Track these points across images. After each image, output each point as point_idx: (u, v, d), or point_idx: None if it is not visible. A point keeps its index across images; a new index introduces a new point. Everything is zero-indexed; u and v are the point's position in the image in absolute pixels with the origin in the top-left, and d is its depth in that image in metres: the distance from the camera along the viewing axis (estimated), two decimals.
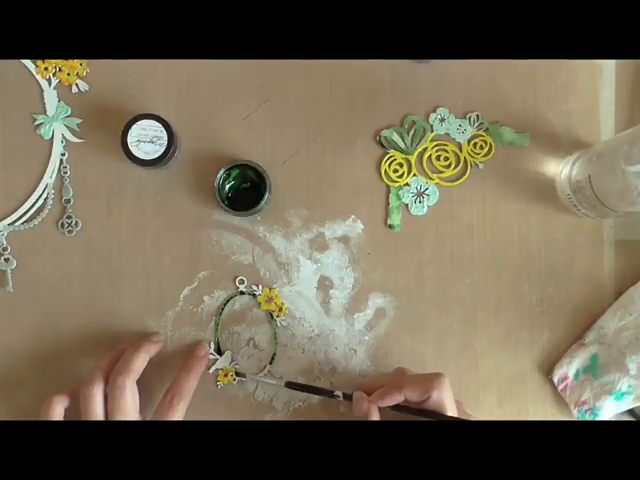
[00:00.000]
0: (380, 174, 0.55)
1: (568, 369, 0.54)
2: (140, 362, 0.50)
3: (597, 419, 0.54)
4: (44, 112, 0.55)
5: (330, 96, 0.56)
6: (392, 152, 0.55)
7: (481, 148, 0.55)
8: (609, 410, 0.54)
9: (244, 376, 0.54)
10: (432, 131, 0.56)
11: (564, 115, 0.56)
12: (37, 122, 0.55)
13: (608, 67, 0.56)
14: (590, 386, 0.54)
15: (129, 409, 0.48)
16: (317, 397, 0.55)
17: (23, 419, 0.54)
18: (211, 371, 0.55)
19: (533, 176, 0.55)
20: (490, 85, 0.56)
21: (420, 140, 0.56)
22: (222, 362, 0.55)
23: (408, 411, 0.48)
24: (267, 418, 0.55)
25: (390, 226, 0.55)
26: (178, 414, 0.50)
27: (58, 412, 0.49)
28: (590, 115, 0.56)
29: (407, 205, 0.55)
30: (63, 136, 0.55)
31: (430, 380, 0.47)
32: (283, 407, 0.55)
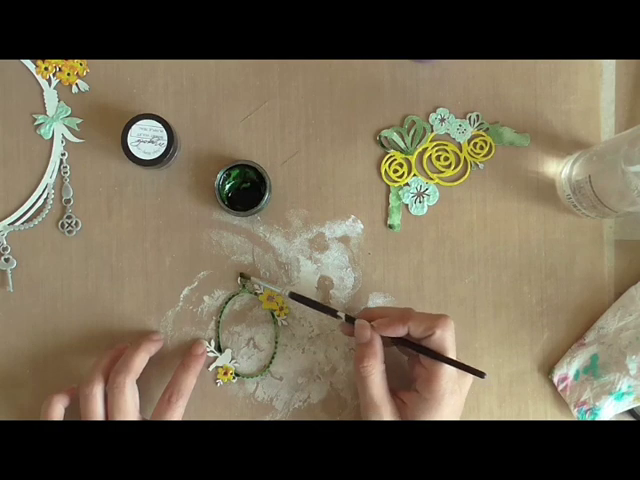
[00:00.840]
0: (380, 174, 0.55)
1: (568, 369, 0.54)
2: (140, 361, 0.50)
3: (597, 419, 0.54)
4: (44, 112, 0.55)
5: (330, 96, 0.56)
6: (392, 152, 0.55)
7: (481, 148, 0.55)
8: (609, 410, 0.54)
9: (248, 278, 0.54)
10: (432, 131, 0.56)
11: (564, 115, 0.56)
12: (37, 122, 0.55)
13: (608, 67, 0.56)
14: (590, 386, 0.54)
15: (129, 408, 0.48)
16: (317, 397, 0.55)
17: (23, 419, 0.54)
18: (210, 369, 0.55)
19: (533, 176, 0.55)
20: (490, 85, 0.56)
21: (420, 140, 0.56)
22: (222, 360, 0.55)
23: (409, 345, 0.48)
24: (267, 418, 0.55)
25: (390, 226, 0.55)
26: (177, 412, 0.50)
27: (58, 412, 0.49)
28: (590, 115, 0.56)
29: (407, 205, 0.55)
30: (63, 136, 0.55)
31: (436, 318, 0.47)
32: (283, 407, 0.55)
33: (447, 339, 0.46)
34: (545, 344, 0.55)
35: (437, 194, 0.55)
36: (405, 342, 0.48)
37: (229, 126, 0.55)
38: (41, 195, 0.55)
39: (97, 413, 0.48)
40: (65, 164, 0.55)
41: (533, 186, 0.55)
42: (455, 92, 0.56)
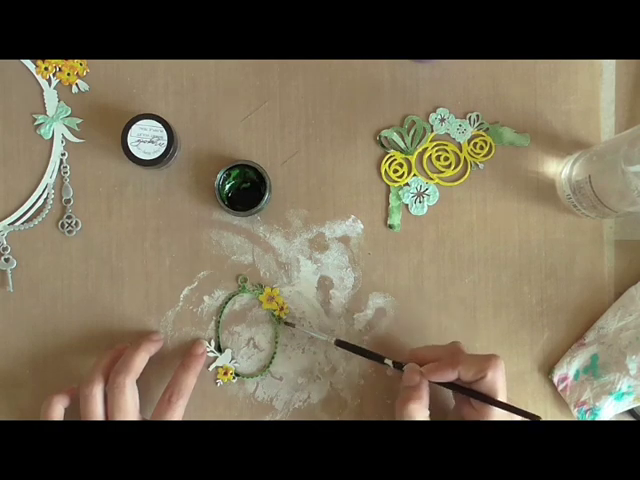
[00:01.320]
0: (380, 174, 0.55)
1: (568, 369, 0.54)
2: (140, 361, 0.50)
3: (597, 419, 0.54)
4: (44, 112, 0.55)
5: (330, 96, 0.56)
6: (392, 152, 0.55)
7: (481, 148, 0.55)
8: (609, 410, 0.54)
9: (293, 326, 0.54)
10: (432, 131, 0.56)
11: (564, 115, 0.55)
12: (37, 122, 0.55)
13: (608, 67, 0.56)
14: (590, 386, 0.54)
15: (129, 408, 0.48)
16: (317, 397, 0.55)
17: (23, 419, 0.54)
18: (210, 369, 0.55)
19: (533, 176, 0.55)
20: (490, 85, 0.56)
21: (420, 140, 0.56)
22: (222, 360, 0.55)
23: (459, 390, 0.47)
24: (267, 418, 0.55)
25: (390, 226, 0.55)
26: (177, 412, 0.50)
27: (58, 412, 0.49)
28: (590, 115, 0.56)
29: (407, 205, 0.55)
30: (63, 136, 0.55)
31: (486, 360, 0.45)
32: (283, 407, 0.55)
33: (498, 381, 0.45)
34: (545, 344, 0.55)
35: (437, 194, 0.55)
36: (455, 387, 0.47)
37: (229, 126, 0.55)
38: (41, 195, 0.55)
39: (97, 413, 0.48)
40: (65, 164, 0.55)
41: (533, 186, 0.55)
42: (455, 92, 0.56)
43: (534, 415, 0.45)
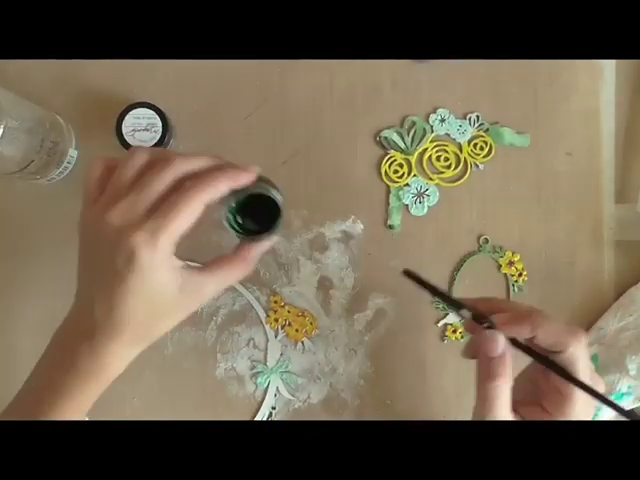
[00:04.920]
0: (380, 174, 0.55)
1: None
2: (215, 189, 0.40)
3: (597, 419, 0.54)
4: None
5: (330, 96, 0.56)
6: (392, 152, 0.55)
7: (481, 149, 0.55)
8: (609, 410, 0.54)
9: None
10: (432, 131, 0.56)
11: (564, 115, 0.56)
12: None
13: (608, 67, 0.56)
14: None
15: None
16: (317, 397, 0.55)
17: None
18: (439, 325, 0.55)
19: (533, 176, 0.55)
20: (490, 85, 0.56)
21: (420, 140, 0.56)
22: (453, 317, 0.54)
23: (537, 357, 0.40)
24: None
25: (390, 226, 0.55)
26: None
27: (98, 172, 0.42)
28: (590, 115, 0.56)
29: (407, 205, 0.55)
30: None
31: (570, 332, 0.39)
32: (283, 407, 0.55)
33: (580, 359, 0.39)
34: None
35: (437, 194, 0.55)
36: (535, 354, 0.40)
37: (229, 126, 0.55)
38: None
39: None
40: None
41: (533, 186, 0.55)
42: (455, 92, 0.56)
43: (631, 412, 0.39)
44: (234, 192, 0.42)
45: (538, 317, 0.40)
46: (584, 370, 0.39)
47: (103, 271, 0.40)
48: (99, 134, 0.55)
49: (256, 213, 0.45)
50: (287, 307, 0.55)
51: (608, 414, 0.54)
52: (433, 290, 0.42)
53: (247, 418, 0.55)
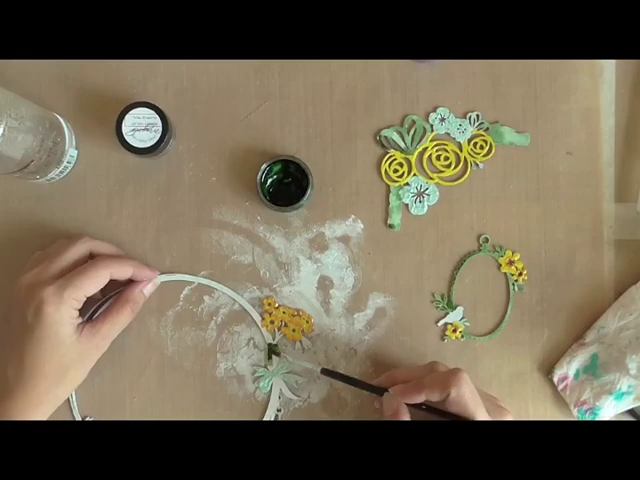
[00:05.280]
0: (380, 174, 0.55)
1: (568, 369, 0.54)
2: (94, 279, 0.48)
3: (597, 419, 0.54)
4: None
5: (330, 96, 0.56)
6: (392, 152, 0.55)
7: (481, 148, 0.55)
8: (609, 410, 0.54)
9: (279, 355, 0.54)
10: (432, 131, 0.56)
11: (564, 115, 0.55)
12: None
13: (608, 67, 0.56)
14: (590, 386, 0.54)
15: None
16: (317, 397, 0.55)
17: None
18: (439, 324, 0.55)
19: (533, 176, 0.55)
20: (490, 85, 0.56)
21: (420, 140, 0.56)
22: (453, 317, 0.55)
23: (434, 412, 0.46)
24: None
25: (390, 226, 0.55)
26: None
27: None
28: (590, 115, 0.56)
29: (407, 205, 0.55)
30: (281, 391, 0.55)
31: (446, 378, 0.44)
32: (283, 407, 0.55)
33: (464, 395, 0.43)
34: (545, 344, 0.55)
35: (437, 194, 0.55)
36: (429, 409, 0.46)
37: (229, 126, 0.55)
38: None
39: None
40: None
41: (533, 186, 0.55)
42: (455, 92, 0.56)
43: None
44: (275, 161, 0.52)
45: (422, 381, 0.45)
46: (472, 400, 0.44)
47: (16, 326, 0.47)
48: (99, 134, 0.55)
49: (286, 190, 0.54)
50: (282, 308, 0.55)
51: (608, 414, 0.54)
52: (352, 382, 0.50)
53: (247, 418, 0.55)
